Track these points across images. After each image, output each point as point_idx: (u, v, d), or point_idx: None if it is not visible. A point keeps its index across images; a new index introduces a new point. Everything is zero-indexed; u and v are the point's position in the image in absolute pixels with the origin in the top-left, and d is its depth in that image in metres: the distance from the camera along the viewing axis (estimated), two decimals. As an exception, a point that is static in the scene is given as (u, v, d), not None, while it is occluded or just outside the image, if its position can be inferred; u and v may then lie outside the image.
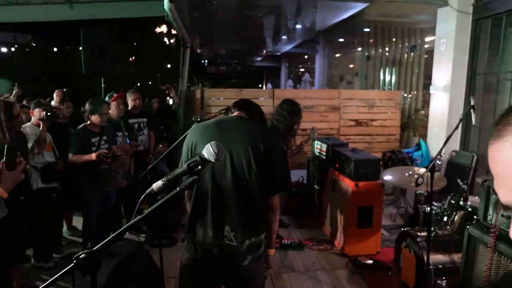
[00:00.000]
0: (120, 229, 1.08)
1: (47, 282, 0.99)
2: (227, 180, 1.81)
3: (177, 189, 1.18)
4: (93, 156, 3.64)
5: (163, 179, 1.21)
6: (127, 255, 2.94)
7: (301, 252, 4.25)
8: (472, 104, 2.79)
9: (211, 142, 1.23)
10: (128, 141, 4.49)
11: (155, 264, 3.15)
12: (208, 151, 1.21)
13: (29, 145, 3.50)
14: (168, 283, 3.60)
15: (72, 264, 1.02)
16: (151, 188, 1.20)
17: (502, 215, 2.24)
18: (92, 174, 3.67)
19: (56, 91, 4.18)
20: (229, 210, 1.82)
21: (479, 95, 5.00)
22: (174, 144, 2.87)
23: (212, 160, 1.21)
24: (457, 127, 2.77)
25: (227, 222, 1.82)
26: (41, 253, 3.85)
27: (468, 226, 2.41)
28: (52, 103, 4.06)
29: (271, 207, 1.95)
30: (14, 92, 4.38)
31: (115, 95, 4.29)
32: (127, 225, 1.11)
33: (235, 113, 2.06)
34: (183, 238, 4.48)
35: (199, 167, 1.20)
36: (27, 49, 12.29)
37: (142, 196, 1.19)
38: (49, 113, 3.58)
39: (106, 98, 4.27)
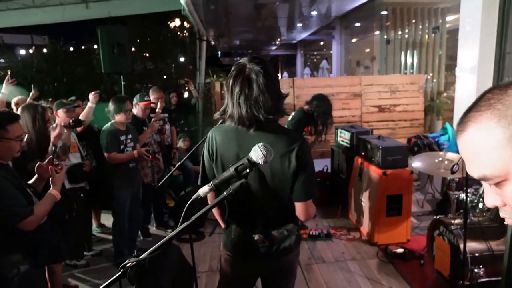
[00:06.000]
0: (166, 237, 1.06)
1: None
2: (256, 185, 1.72)
3: (225, 193, 1.15)
4: (135, 153, 3.72)
5: (210, 184, 1.18)
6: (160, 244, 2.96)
7: (330, 242, 4.21)
8: (507, 85, 2.67)
9: (259, 144, 1.19)
10: (154, 137, 4.53)
11: (186, 259, 3.17)
12: (256, 154, 1.17)
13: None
14: (199, 277, 3.62)
15: (120, 272, 1.01)
16: (197, 193, 1.17)
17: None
18: (122, 172, 3.71)
19: (93, 93, 4.17)
20: (259, 213, 1.79)
21: (510, 75, 4.80)
22: (200, 142, 2.86)
23: (261, 163, 1.17)
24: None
25: (258, 226, 1.79)
26: (73, 251, 3.92)
27: None
28: (89, 104, 4.09)
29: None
30: (31, 93, 4.40)
31: (146, 99, 4.29)
32: (174, 232, 1.09)
33: None
34: (210, 232, 4.50)
35: (247, 170, 1.16)
36: (44, 50, 12.45)
37: (189, 202, 1.16)
38: (73, 120, 3.61)
39: (135, 100, 4.28)
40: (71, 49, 13.19)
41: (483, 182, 0.75)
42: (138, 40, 10.70)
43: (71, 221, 3.64)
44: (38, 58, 11.93)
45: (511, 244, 2.34)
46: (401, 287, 3.33)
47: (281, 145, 1.64)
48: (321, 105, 4.36)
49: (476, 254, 2.87)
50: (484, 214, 3.13)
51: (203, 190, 1.19)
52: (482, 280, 2.81)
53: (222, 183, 1.21)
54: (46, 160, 2.31)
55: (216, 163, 1.75)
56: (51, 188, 2.24)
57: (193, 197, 1.17)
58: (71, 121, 3.60)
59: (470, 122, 0.71)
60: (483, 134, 0.69)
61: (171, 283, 2.86)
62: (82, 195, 3.91)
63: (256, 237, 1.77)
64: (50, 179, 2.26)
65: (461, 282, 2.80)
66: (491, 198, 0.75)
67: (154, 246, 1.04)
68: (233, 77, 1.63)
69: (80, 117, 3.91)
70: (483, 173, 0.71)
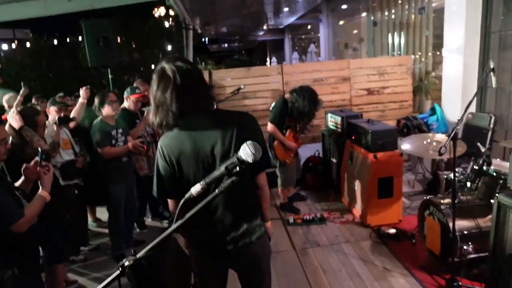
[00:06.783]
0: (163, 235, 1.09)
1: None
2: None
3: (216, 191, 1.18)
4: (130, 145, 3.72)
5: (201, 183, 1.21)
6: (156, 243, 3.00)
7: (324, 226, 4.29)
8: (492, 67, 2.71)
9: (247, 142, 1.22)
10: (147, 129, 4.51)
11: (182, 249, 3.21)
12: (245, 152, 1.20)
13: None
14: (197, 267, 3.67)
15: (118, 271, 1.03)
16: (190, 193, 1.20)
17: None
18: (116, 167, 3.71)
19: (84, 88, 4.14)
20: (219, 208, 1.81)
21: (495, 54, 4.85)
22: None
23: (250, 161, 1.20)
24: (477, 92, 2.70)
25: (219, 220, 1.81)
26: (71, 248, 3.94)
27: (497, 194, 2.39)
28: (80, 100, 4.08)
29: (259, 186, 1.92)
30: (21, 91, 4.37)
31: (138, 92, 4.25)
32: (170, 230, 1.11)
33: None
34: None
35: (237, 169, 1.19)
36: (28, 44, 12.19)
37: (181, 202, 1.19)
38: (61, 117, 3.59)
39: (126, 93, 4.25)
40: (55, 42, 12.93)
41: None
42: (123, 32, 10.54)
43: (70, 219, 3.67)
44: (22, 53, 11.69)
45: (497, 221, 2.41)
46: (394, 266, 3.42)
47: (229, 128, 1.70)
48: (297, 101, 4.22)
49: (465, 232, 2.96)
50: (472, 193, 3.21)
51: (195, 189, 1.23)
52: (471, 256, 2.90)
53: (212, 182, 1.24)
54: (33, 162, 2.26)
55: (179, 168, 1.75)
56: (40, 189, 2.22)
57: (186, 196, 1.20)
58: (57, 118, 3.59)
59: None
60: None
61: (169, 276, 2.90)
62: (76, 191, 3.92)
63: (216, 236, 1.82)
64: (39, 180, 2.23)
65: (451, 259, 2.88)
66: None
67: (151, 244, 1.07)
68: (156, 81, 1.66)
69: (71, 114, 3.90)
70: None
